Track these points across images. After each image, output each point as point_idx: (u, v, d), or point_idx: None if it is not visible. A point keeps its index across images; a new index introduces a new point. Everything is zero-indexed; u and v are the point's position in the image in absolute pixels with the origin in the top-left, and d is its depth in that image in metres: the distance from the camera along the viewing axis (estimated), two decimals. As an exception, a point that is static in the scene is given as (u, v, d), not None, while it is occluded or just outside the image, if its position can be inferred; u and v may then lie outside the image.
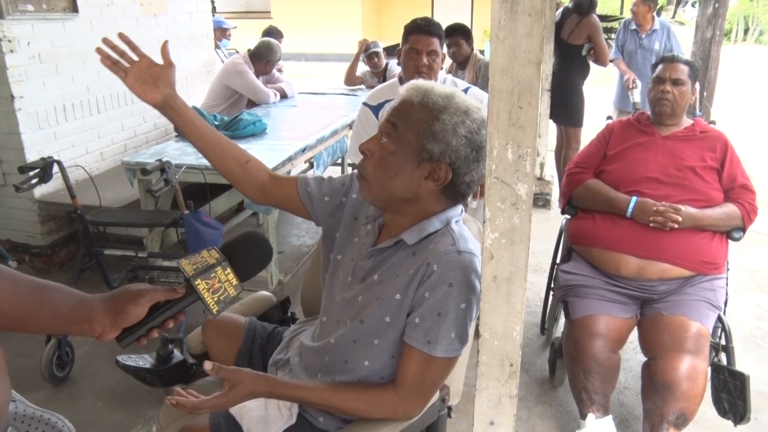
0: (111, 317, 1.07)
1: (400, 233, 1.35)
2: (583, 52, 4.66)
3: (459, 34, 4.31)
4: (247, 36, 8.18)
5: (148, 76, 1.39)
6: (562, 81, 4.73)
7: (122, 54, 1.40)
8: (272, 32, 5.83)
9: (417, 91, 1.31)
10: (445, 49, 2.69)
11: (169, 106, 1.42)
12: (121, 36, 1.43)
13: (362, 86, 5.53)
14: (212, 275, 1.10)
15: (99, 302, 1.07)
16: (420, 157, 1.28)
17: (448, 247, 1.27)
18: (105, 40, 1.40)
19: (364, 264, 1.40)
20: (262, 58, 4.71)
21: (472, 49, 4.39)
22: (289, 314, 1.94)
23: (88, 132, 3.97)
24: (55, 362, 2.64)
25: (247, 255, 1.21)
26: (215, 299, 1.10)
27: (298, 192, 1.52)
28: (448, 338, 1.25)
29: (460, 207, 1.39)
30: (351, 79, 5.55)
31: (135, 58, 1.40)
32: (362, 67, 5.57)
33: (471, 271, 1.26)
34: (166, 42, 1.46)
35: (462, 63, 4.39)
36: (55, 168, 2.70)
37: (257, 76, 4.72)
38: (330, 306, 1.48)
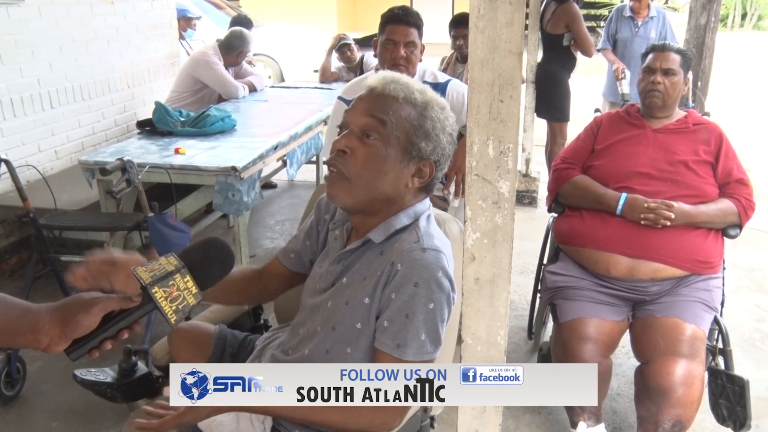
0: (59, 328, 1.05)
1: (368, 233, 1.38)
2: (565, 42, 4.64)
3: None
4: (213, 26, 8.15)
5: None
6: (545, 73, 4.75)
7: None
8: (241, 21, 5.80)
9: (398, 86, 1.35)
10: (419, 43, 2.68)
11: None
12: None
13: (339, 82, 5.54)
14: (170, 283, 1.10)
15: (45, 312, 1.06)
16: (410, 155, 1.34)
17: (412, 245, 1.31)
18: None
19: (333, 269, 1.44)
20: (234, 49, 4.69)
21: None
22: (261, 321, 1.95)
23: (40, 129, 3.94)
24: (4, 380, 2.60)
25: (207, 262, 1.20)
26: (173, 308, 1.10)
27: (286, 266, 1.60)
28: (417, 341, 1.27)
29: (427, 200, 1.44)
30: (326, 76, 5.55)
31: None
32: (337, 63, 5.57)
33: (437, 268, 1.29)
34: None
35: (466, 57, 4.40)
36: (3, 168, 2.67)
37: (227, 68, 4.71)
38: (302, 316, 1.51)
